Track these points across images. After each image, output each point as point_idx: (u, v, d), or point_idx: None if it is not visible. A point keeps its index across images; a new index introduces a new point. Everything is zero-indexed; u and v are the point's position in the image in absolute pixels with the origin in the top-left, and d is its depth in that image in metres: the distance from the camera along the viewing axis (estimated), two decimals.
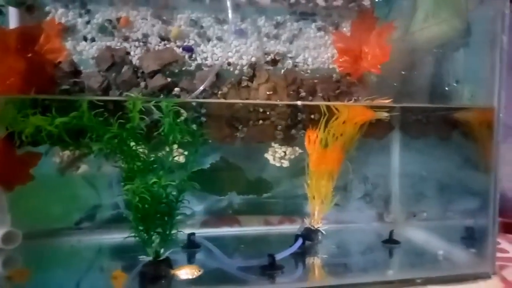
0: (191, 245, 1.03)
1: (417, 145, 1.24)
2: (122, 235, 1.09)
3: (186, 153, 0.87)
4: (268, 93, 1.18)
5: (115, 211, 1.16)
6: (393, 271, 0.96)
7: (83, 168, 1.09)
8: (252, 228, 1.25)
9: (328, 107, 1.10)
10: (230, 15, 1.15)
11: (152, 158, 0.82)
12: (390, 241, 1.09)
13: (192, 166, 0.86)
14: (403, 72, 1.32)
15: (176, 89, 1.14)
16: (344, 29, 1.28)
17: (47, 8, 1.11)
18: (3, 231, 1.02)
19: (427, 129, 1.23)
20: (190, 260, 1.00)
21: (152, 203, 0.81)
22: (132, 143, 0.80)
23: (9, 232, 1.02)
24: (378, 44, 1.23)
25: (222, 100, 1.09)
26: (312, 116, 1.21)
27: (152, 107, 0.81)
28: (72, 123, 0.75)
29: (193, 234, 1.03)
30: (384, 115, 1.10)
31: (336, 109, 1.08)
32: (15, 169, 1.02)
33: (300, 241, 1.00)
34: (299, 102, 1.13)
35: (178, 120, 0.82)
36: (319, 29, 1.27)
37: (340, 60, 1.27)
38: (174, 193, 0.85)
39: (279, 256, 0.91)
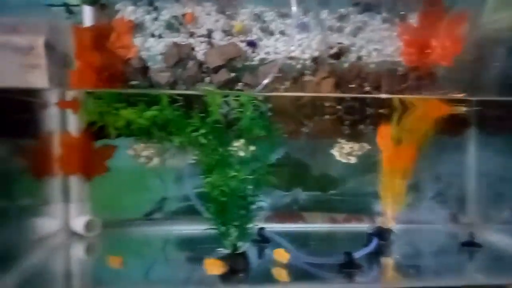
0: (261, 240, 1.02)
1: (495, 142, 1.16)
2: (191, 227, 1.13)
3: (259, 147, 0.86)
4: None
5: (184, 204, 1.18)
6: (480, 275, 0.91)
7: (155, 161, 1.11)
8: (317, 225, 1.23)
9: (402, 101, 1.06)
10: (294, 8, 1.14)
11: (231, 152, 0.82)
12: (470, 244, 1.03)
13: (269, 160, 0.85)
14: (474, 65, 1.25)
15: (239, 84, 1.14)
16: (411, 20, 1.23)
17: (117, 6, 1.15)
18: (86, 219, 1.07)
19: (506, 125, 1.15)
20: (260, 255, 1.00)
21: (231, 196, 0.81)
22: (211, 137, 0.81)
23: (91, 221, 1.07)
24: (449, 35, 1.17)
25: (302, 94, 1.08)
26: (382, 111, 1.17)
27: (225, 101, 0.80)
28: (160, 116, 0.77)
29: (263, 228, 1.02)
30: (461, 109, 1.04)
31: (411, 103, 1.04)
32: (93, 161, 1.07)
33: (375, 240, 0.97)
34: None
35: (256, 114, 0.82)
36: (384, 20, 1.22)
37: (406, 53, 1.22)
38: (250, 187, 0.84)
39: (356, 255, 0.89)
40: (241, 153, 0.84)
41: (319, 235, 1.20)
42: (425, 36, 1.21)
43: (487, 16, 1.23)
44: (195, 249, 1.05)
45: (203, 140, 0.80)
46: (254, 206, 0.87)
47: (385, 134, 1.00)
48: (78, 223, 1.08)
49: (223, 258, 0.86)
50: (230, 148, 0.84)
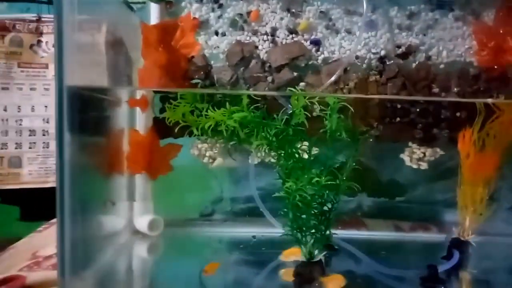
0: (328, 247, 0.98)
1: None
2: (255, 230, 1.11)
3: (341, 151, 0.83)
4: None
5: (245, 205, 1.16)
6: None
7: (218, 161, 1.10)
8: (380, 233, 1.18)
9: (487, 105, 0.99)
10: (364, 5, 1.09)
11: (313, 156, 0.78)
12: None
13: (351, 165, 0.81)
14: None
15: (302, 83, 1.11)
16: (486, 18, 1.15)
17: (183, 3, 1.14)
18: (149, 218, 1.06)
19: None
20: (328, 263, 0.96)
21: (310, 202, 0.78)
22: (294, 140, 0.78)
23: (154, 220, 1.07)
24: None
25: (384, 96, 1.03)
26: (458, 114, 1.11)
27: (309, 102, 0.77)
28: (247, 119, 0.74)
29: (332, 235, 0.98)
30: None
31: (497, 107, 0.97)
32: (158, 159, 1.06)
33: (457, 254, 0.91)
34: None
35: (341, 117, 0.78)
36: (456, 19, 1.15)
37: (480, 52, 1.15)
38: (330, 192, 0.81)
39: (440, 269, 0.84)
40: (322, 157, 0.80)
41: (383, 244, 1.15)
42: (501, 35, 1.14)
43: None
44: (260, 253, 1.03)
45: (285, 144, 0.77)
46: (332, 213, 0.83)
47: (467, 139, 0.93)
48: (142, 222, 1.08)
49: (299, 266, 0.83)
50: (311, 152, 0.80)
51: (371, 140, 1.09)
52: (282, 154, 0.80)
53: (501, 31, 1.14)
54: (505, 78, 1.14)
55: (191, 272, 0.92)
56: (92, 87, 0.86)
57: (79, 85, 0.74)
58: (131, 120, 1.06)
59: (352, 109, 0.82)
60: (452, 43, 1.17)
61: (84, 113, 0.79)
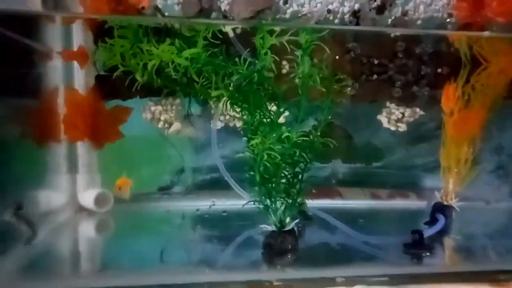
0: (303, 217, 0.88)
1: None
2: (219, 202, 0.99)
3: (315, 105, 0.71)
4: None
5: (207, 176, 1.03)
6: None
7: (175, 126, 0.96)
8: (356, 201, 1.09)
9: (473, 56, 0.90)
10: None
11: (281, 110, 0.66)
12: None
13: (326, 119, 0.70)
14: None
15: None
16: None
17: None
18: (96, 192, 0.91)
19: None
20: (301, 233, 0.86)
21: (280, 162, 0.66)
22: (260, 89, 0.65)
23: (102, 194, 0.92)
24: None
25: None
26: (440, 70, 1.02)
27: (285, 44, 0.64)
28: (200, 58, 0.61)
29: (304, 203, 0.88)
30: None
31: (485, 59, 0.88)
32: (105, 124, 0.91)
33: (442, 219, 0.83)
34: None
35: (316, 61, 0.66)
36: None
37: (458, 7, 1.07)
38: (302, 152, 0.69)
39: (426, 234, 0.75)
40: (294, 111, 0.68)
41: (359, 213, 1.06)
42: None
43: None
44: (225, 226, 0.91)
45: (250, 94, 0.64)
46: (305, 176, 0.72)
47: (451, 94, 0.84)
48: (87, 197, 0.93)
49: (269, 237, 0.72)
50: (281, 105, 0.68)
51: (345, 100, 0.98)
52: (247, 107, 0.67)
53: None
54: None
55: (146, 252, 0.79)
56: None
57: None
58: (68, 77, 0.89)
59: (328, 50, 0.70)
60: None
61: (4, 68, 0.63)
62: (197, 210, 0.97)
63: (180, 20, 0.81)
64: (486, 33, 0.87)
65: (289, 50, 0.68)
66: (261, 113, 0.68)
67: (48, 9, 0.72)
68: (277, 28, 0.71)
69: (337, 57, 1.02)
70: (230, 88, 0.66)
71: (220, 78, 0.66)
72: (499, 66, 0.85)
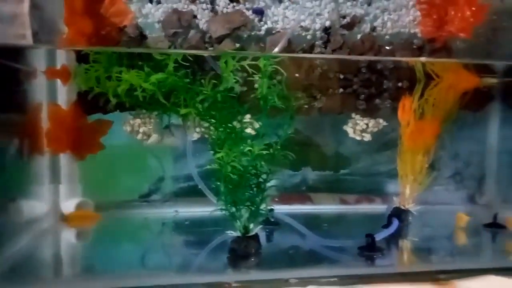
0: (270, 222, 0.95)
1: None
2: (194, 209, 1.05)
3: (275, 120, 0.78)
4: None
5: (185, 184, 1.09)
6: (506, 258, 0.85)
7: (153, 137, 1.02)
8: (326, 206, 1.16)
9: (426, 73, 0.98)
10: None
11: (244, 125, 0.73)
12: (494, 225, 0.97)
13: (286, 134, 0.77)
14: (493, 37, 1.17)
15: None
16: None
17: None
18: (76, 201, 0.97)
19: None
20: (270, 238, 0.92)
21: (243, 173, 0.72)
22: (224, 107, 0.72)
23: (82, 203, 0.98)
24: (470, 5, 1.09)
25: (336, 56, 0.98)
26: (400, 84, 1.09)
27: (246, 66, 0.71)
28: (167, 82, 0.67)
29: (272, 210, 0.95)
30: (491, 81, 0.96)
31: (437, 75, 0.95)
32: (86, 137, 0.97)
33: (396, 222, 0.90)
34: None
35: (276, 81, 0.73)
36: None
37: (424, 23, 1.14)
38: (264, 164, 0.76)
39: (377, 237, 0.82)
40: (256, 126, 0.74)
41: (328, 217, 1.13)
42: (443, 6, 1.13)
43: None
44: (198, 232, 0.97)
45: (215, 111, 0.70)
46: (267, 185, 0.78)
47: (407, 107, 0.92)
48: (69, 205, 0.99)
49: (234, 242, 0.78)
50: (244, 121, 0.75)
51: (308, 107, 1.05)
52: (213, 124, 0.73)
53: (443, 1, 1.13)
54: (447, 49, 1.14)
55: (122, 257, 0.85)
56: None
57: None
58: (52, 94, 0.95)
59: (285, 73, 0.77)
60: (397, 13, 1.15)
61: None
62: (176, 211, 1.01)
63: (149, 50, 0.87)
64: (423, 59, 0.94)
65: (250, 73, 0.75)
66: (226, 129, 0.74)
67: (38, 41, 0.79)
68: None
69: (306, 72, 1.09)
70: (198, 106, 0.72)
71: (189, 97, 0.73)
72: (448, 82, 0.93)
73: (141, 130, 1.01)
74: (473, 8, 1.07)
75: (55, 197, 0.99)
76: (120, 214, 1.07)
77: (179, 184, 1.11)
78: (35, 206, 0.92)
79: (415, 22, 1.14)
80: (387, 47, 1.11)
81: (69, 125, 0.95)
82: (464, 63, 0.99)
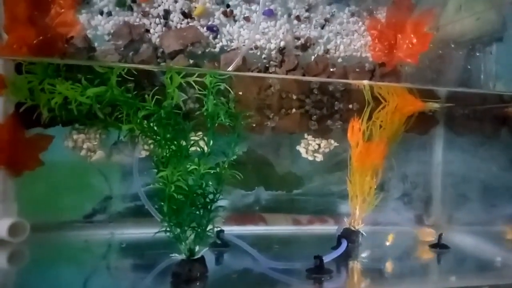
0: (220, 244, 0.92)
1: (461, 142, 1.15)
2: (139, 231, 1.00)
3: (222, 139, 0.76)
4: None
5: (131, 204, 1.04)
6: (454, 277, 0.87)
7: (98, 154, 0.97)
8: (279, 227, 1.14)
9: (374, 96, 1.01)
10: None
11: (189, 143, 0.71)
12: (438, 246, 1.00)
13: (233, 153, 0.75)
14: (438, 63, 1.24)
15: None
16: (379, 15, 1.20)
17: None
18: (10, 221, 0.89)
19: (473, 125, 1.15)
20: (219, 260, 0.89)
21: (188, 193, 0.70)
22: (168, 124, 0.69)
23: (17, 224, 0.90)
24: (416, 33, 1.15)
25: (290, 76, 0.98)
26: (351, 106, 1.12)
27: (192, 82, 0.70)
28: (106, 96, 0.64)
29: (222, 231, 0.92)
30: (435, 105, 1.01)
31: (384, 98, 0.98)
32: (24, 152, 0.90)
33: (345, 243, 0.90)
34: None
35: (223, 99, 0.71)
36: (352, 14, 1.18)
37: (374, 48, 1.19)
38: (210, 183, 0.74)
39: (326, 259, 0.81)
40: (201, 145, 0.72)
41: (281, 238, 1.11)
42: (392, 33, 1.19)
43: (446, 17, 1.23)
44: (143, 255, 0.92)
45: (159, 128, 0.68)
46: (214, 206, 0.76)
47: (356, 129, 0.93)
48: (1, 226, 0.91)
49: (178, 265, 0.74)
50: (189, 139, 0.72)
51: (261, 126, 1.05)
52: (157, 140, 0.71)
53: (392, 28, 1.18)
54: (396, 73, 1.19)
55: (62, 282, 0.78)
56: None
57: None
58: None
59: (236, 91, 0.76)
60: (349, 37, 1.19)
61: None
62: (111, 233, 0.97)
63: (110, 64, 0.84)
64: (366, 82, 0.98)
65: (196, 89, 0.73)
66: (171, 146, 0.72)
67: None
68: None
69: (258, 91, 1.09)
70: (141, 122, 0.70)
71: (132, 112, 0.70)
72: (394, 105, 0.96)
73: (85, 146, 0.96)
74: (419, 37, 1.14)
75: None
76: (60, 236, 0.99)
77: (125, 203, 1.06)
78: None
79: (366, 47, 1.19)
80: (340, 69, 1.15)
81: (5, 138, 0.89)
82: (409, 88, 1.04)
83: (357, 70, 1.18)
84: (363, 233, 0.98)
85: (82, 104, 0.66)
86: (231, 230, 0.99)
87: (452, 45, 1.26)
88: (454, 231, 1.08)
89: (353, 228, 0.98)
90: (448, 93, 1.14)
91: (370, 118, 0.98)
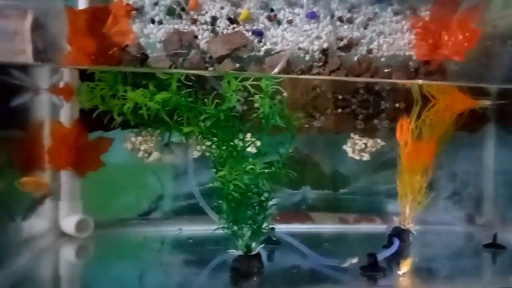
0: (271, 241, 0.94)
1: None
2: (194, 228, 1.04)
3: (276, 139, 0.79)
4: None
5: (185, 202, 1.09)
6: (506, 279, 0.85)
7: (154, 155, 1.03)
8: (326, 226, 1.16)
9: (423, 95, 1.00)
10: None
11: (246, 144, 0.74)
12: (493, 245, 0.97)
13: (287, 153, 0.78)
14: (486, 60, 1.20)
15: None
16: (423, 13, 1.18)
17: None
18: (77, 218, 0.97)
19: None
20: (270, 257, 0.92)
21: (245, 192, 0.73)
22: (227, 126, 0.73)
23: (83, 220, 0.97)
24: (463, 29, 1.13)
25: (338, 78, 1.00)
26: (397, 105, 1.12)
27: (248, 86, 0.73)
28: (171, 101, 0.68)
29: (273, 228, 0.95)
30: (486, 103, 0.99)
31: (433, 97, 0.98)
32: (87, 154, 0.97)
33: (397, 242, 0.90)
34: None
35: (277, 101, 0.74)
36: (395, 13, 1.17)
37: (418, 46, 1.18)
38: (266, 182, 0.77)
39: (379, 257, 0.82)
40: (257, 145, 0.75)
41: (328, 237, 1.13)
42: (437, 30, 1.17)
43: (493, 12, 1.19)
44: (200, 251, 0.97)
45: (218, 130, 0.72)
46: (269, 204, 0.79)
47: (404, 128, 0.93)
48: (69, 223, 0.98)
49: (236, 261, 0.78)
50: (246, 140, 0.76)
51: (307, 126, 1.07)
52: (215, 142, 0.74)
53: (437, 26, 1.17)
54: (441, 71, 1.17)
55: (123, 276, 0.84)
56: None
57: None
58: (54, 111, 0.96)
59: (286, 93, 0.79)
60: (392, 37, 1.18)
61: None
62: (180, 229, 1.02)
63: (154, 70, 0.89)
64: (420, 81, 0.97)
65: (252, 92, 0.76)
66: (229, 147, 0.75)
67: (42, 60, 0.80)
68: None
69: (305, 92, 1.11)
70: (200, 124, 0.74)
71: (192, 115, 0.74)
72: (444, 103, 0.95)
73: (142, 148, 1.02)
74: (466, 33, 1.11)
75: (55, 214, 0.98)
76: (120, 232, 1.06)
77: (179, 202, 1.11)
78: (35, 223, 0.92)
79: (410, 45, 1.18)
80: (385, 70, 1.15)
81: (71, 142, 0.96)
82: (459, 85, 1.02)
83: (401, 68, 1.17)
84: (413, 232, 0.98)
85: (150, 109, 0.71)
86: (279, 228, 1.01)
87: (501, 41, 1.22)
88: (507, 231, 1.05)
89: (403, 227, 0.98)
90: (499, 90, 1.11)
91: (418, 117, 0.97)
